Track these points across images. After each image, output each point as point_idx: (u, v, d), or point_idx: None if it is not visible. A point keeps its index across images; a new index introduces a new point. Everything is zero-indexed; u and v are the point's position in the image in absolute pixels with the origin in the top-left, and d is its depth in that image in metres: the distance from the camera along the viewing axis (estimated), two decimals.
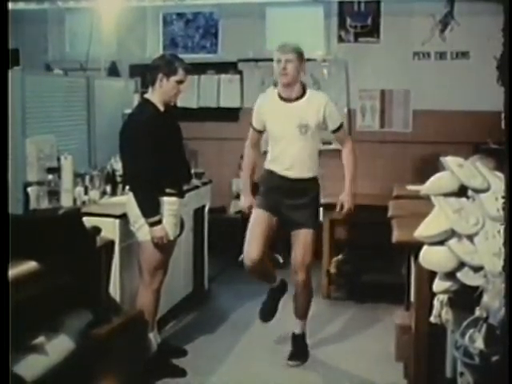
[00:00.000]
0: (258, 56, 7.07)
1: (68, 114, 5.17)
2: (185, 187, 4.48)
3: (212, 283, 5.99)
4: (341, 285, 5.95)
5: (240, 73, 7.22)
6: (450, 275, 2.32)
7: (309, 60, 6.90)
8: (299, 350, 4.54)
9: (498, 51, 2.19)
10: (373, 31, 6.94)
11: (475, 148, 6.01)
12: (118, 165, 4.98)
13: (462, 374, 2.15)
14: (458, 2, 6.41)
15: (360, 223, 5.59)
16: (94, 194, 4.71)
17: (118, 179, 4.92)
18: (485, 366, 1.99)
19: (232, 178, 6.99)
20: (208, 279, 5.86)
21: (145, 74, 4.36)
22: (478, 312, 2.06)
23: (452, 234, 2.28)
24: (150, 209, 4.04)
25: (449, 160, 2.41)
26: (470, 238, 2.25)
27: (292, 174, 4.30)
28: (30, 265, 2.99)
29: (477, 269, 2.22)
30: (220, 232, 6.10)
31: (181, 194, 4.28)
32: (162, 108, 4.16)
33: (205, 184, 5.66)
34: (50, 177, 4.47)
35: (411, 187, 4.80)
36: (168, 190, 4.13)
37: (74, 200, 4.57)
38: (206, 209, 5.70)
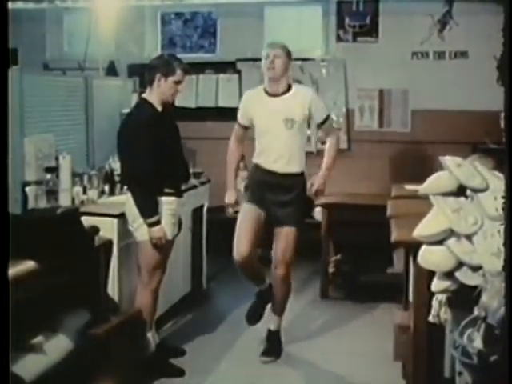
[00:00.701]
0: (257, 55, 6.98)
1: (66, 114, 5.17)
2: (183, 187, 4.48)
3: (210, 283, 5.99)
4: (339, 285, 5.94)
5: (238, 72, 7.22)
6: (449, 275, 2.32)
7: (307, 60, 6.98)
8: (273, 347, 4.55)
9: (497, 51, 2.19)
10: (371, 31, 6.94)
11: (474, 148, 6.01)
12: (116, 164, 4.98)
13: (460, 373, 2.15)
14: (457, 2, 6.40)
15: (358, 223, 5.59)
16: (93, 193, 4.71)
17: (117, 179, 4.92)
18: (483, 366, 1.99)
19: None
20: (206, 279, 5.86)
21: (143, 73, 4.36)
22: (476, 311, 2.07)
23: (451, 233, 2.28)
24: (149, 209, 4.04)
25: (447, 160, 2.41)
26: (469, 237, 2.25)
27: (278, 167, 4.33)
28: (29, 264, 2.99)
29: (475, 268, 2.22)
30: (218, 231, 6.08)
31: (179, 194, 4.28)
32: (159, 108, 4.16)
33: (203, 183, 5.66)
34: (49, 176, 4.46)
35: (410, 187, 4.81)
36: (166, 190, 4.13)
37: (73, 199, 4.57)
38: (205, 208, 5.70)
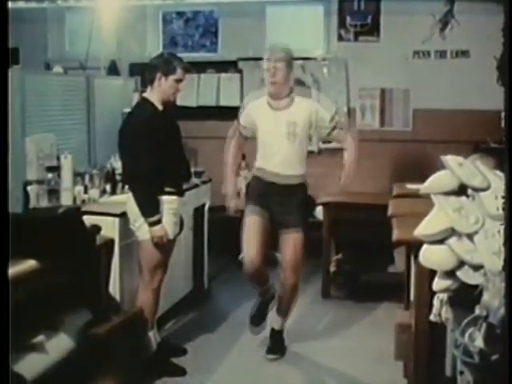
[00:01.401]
0: (258, 55, 6.99)
1: (68, 113, 5.17)
2: (184, 186, 4.48)
3: (212, 282, 5.99)
4: (340, 284, 5.94)
5: (240, 71, 7.22)
6: (450, 274, 2.31)
7: (308, 59, 6.99)
8: (277, 345, 4.57)
9: (498, 50, 2.19)
10: (373, 30, 6.94)
11: (475, 147, 6.01)
12: (117, 163, 4.98)
13: (461, 372, 2.15)
14: (458, 1, 6.40)
15: (360, 222, 5.59)
16: (94, 192, 4.71)
17: (118, 178, 4.92)
18: (484, 365, 1.99)
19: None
20: (208, 278, 5.86)
21: (145, 72, 4.36)
22: (477, 311, 2.06)
23: (452, 232, 2.28)
24: (150, 208, 4.04)
25: (449, 159, 2.41)
26: (470, 236, 2.25)
27: (280, 179, 4.34)
28: (30, 264, 2.99)
29: (477, 267, 2.22)
30: (220, 231, 6.09)
31: (180, 193, 4.28)
32: (160, 107, 4.16)
33: (205, 183, 5.67)
34: (50, 176, 4.46)
35: (411, 186, 4.81)
36: (167, 189, 4.13)
37: (74, 199, 4.57)
38: (206, 207, 5.70)
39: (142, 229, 4.08)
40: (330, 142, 4.66)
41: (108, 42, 6.69)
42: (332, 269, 5.89)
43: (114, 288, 4.07)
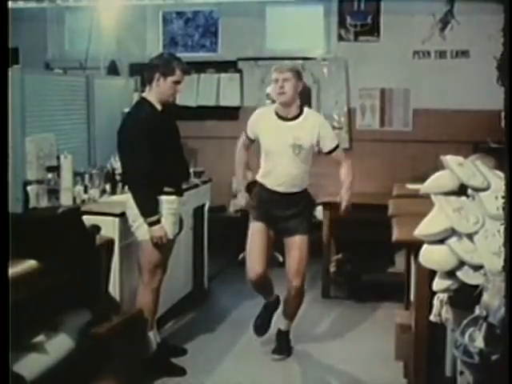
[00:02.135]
0: (258, 55, 7.06)
1: (68, 113, 5.17)
2: (184, 186, 4.48)
3: (212, 282, 5.99)
4: (341, 284, 5.94)
5: (240, 71, 7.22)
6: (450, 274, 2.31)
7: (308, 59, 6.98)
8: (283, 345, 4.59)
9: (498, 50, 2.19)
10: (373, 30, 6.94)
11: (475, 147, 6.01)
12: (117, 163, 4.97)
13: (461, 372, 2.15)
14: (458, 1, 6.39)
15: (360, 222, 5.59)
16: (94, 192, 4.71)
17: (118, 178, 4.92)
18: (484, 365, 1.99)
19: (232, 176, 6.98)
20: (208, 278, 5.86)
21: (143, 72, 4.36)
22: (477, 311, 2.06)
23: (452, 232, 2.28)
24: (149, 208, 4.04)
25: (449, 159, 2.41)
26: (470, 236, 2.25)
27: (283, 189, 4.34)
28: (30, 263, 3.00)
29: (477, 268, 2.22)
30: (220, 231, 6.10)
31: (179, 193, 4.28)
32: (159, 107, 4.15)
33: (204, 183, 5.66)
34: (50, 175, 4.46)
35: (411, 186, 4.81)
36: (166, 189, 4.13)
37: (74, 199, 4.57)
38: (206, 207, 5.70)
39: (141, 229, 4.08)
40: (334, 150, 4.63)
41: (108, 42, 6.68)
42: (332, 269, 5.89)
43: (113, 288, 4.07)
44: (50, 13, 7.53)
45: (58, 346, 3.16)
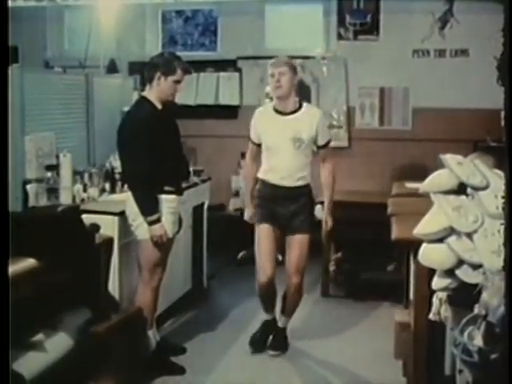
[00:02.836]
0: (257, 53, 7.06)
1: (67, 112, 5.17)
2: (183, 184, 4.48)
3: (211, 281, 5.99)
4: (340, 283, 5.94)
5: (239, 70, 7.22)
6: (449, 273, 2.32)
7: (308, 58, 6.98)
8: (280, 341, 4.60)
9: (498, 50, 2.19)
10: (372, 29, 6.93)
11: (474, 146, 6.02)
12: (116, 162, 4.97)
13: (460, 371, 2.15)
14: (457, 0, 6.41)
15: (359, 221, 5.59)
16: (93, 191, 4.71)
17: (117, 177, 4.92)
18: (484, 364, 1.99)
19: (231, 175, 6.99)
20: (207, 277, 5.86)
21: (144, 71, 4.36)
22: (476, 309, 2.06)
23: (451, 231, 2.28)
24: (149, 207, 4.04)
25: (448, 158, 2.41)
26: (469, 235, 2.25)
27: (284, 183, 4.38)
28: (29, 262, 2.99)
29: (476, 266, 2.22)
30: (219, 229, 6.09)
31: (179, 192, 4.28)
32: (159, 106, 4.15)
33: (204, 181, 5.66)
34: (49, 174, 4.46)
35: (410, 185, 4.82)
36: (166, 188, 4.13)
37: (73, 197, 4.57)
38: (205, 206, 5.70)
39: (141, 228, 4.08)
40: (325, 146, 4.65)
41: (107, 41, 6.68)
42: (331, 268, 5.89)
43: (113, 287, 4.07)
44: (49, 11, 7.52)
45: (58, 344, 3.15)
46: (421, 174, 2.76)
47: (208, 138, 7.08)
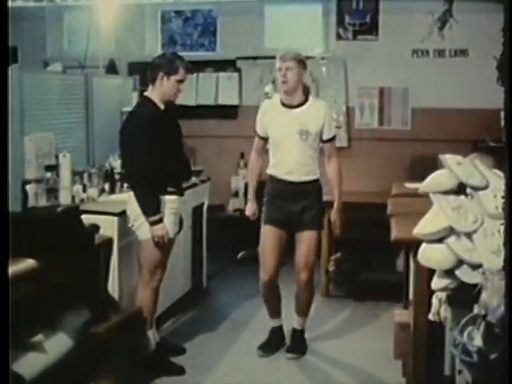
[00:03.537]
0: (257, 54, 7.06)
1: (66, 112, 5.17)
2: (184, 185, 4.49)
3: (210, 281, 5.99)
4: (340, 283, 5.94)
5: (238, 70, 7.21)
6: (449, 273, 2.32)
7: (307, 58, 6.92)
8: (298, 344, 4.59)
9: (497, 49, 2.19)
10: (371, 29, 6.93)
11: (474, 146, 6.01)
12: (116, 162, 4.98)
13: (460, 371, 2.15)
14: (457, 0, 6.41)
15: (359, 221, 5.59)
16: (93, 191, 4.71)
17: (117, 177, 4.92)
18: (483, 364, 1.99)
19: (231, 175, 7.00)
20: (206, 277, 5.86)
21: (144, 71, 4.36)
22: (476, 309, 2.06)
23: (451, 231, 2.28)
24: (151, 207, 4.04)
25: (447, 158, 2.41)
26: (469, 235, 2.25)
27: (293, 178, 4.37)
28: (29, 263, 3.00)
29: (475, 266, 2.22)
30: (219, 230, 6.10)
31: (181, 192, 4.29)
32: (162, 106, 4.16)
33: (203, 182, 5.66)
34: (49, 174, 4.46)
35: (410, 185, 4.81)
36: (169, 189, 4.13)
37: (73, 198, 4.57)
38: (205, 207, 5.70)
39: (142, 228, 4.08)
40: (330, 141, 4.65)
41: (107, 41, 6.68)
42: (331, 268, 5.89)
43: (112, 287, 4.07)
44: (48, 12, 7.51)
45: (57, 345, 3.15)
46: (420, 174, 2.75)
47: (207, 139, 7.08)
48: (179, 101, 4.39)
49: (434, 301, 2.53)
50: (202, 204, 5.66)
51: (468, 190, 2.34)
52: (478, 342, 2.00)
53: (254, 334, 4.80)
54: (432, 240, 2.33)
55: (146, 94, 4.26)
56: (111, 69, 6.72)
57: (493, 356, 1.96)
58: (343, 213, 4.57)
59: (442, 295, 2.47)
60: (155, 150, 4.00)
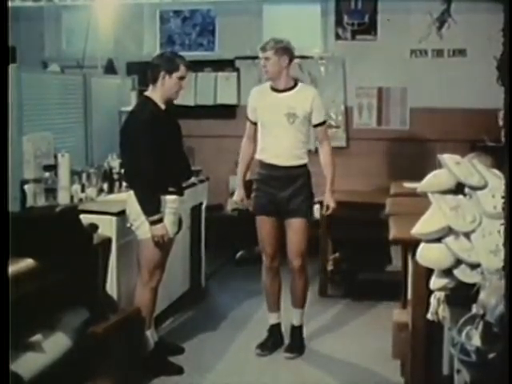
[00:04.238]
0: (255, 53, 7.01)
1: (65, 112, 5.17)
2: (183, 185, 4.49)
3: (209, 281, 5.99)
4: (338, 282, 5.95)
5: (237, 70, 7.22)
6: (447, 272, 2.32)
7: (306, 57, 6.98)
8: (296, 343, 4.59)
9: (496, 49, 2.19)
10: (370, 29, 6.94)
11: (472, 145, 6.02)
12: (114, 162, 4.98)
13: (458, 371, 2.15)
14: (455, 0, 6.40)
15: (357, 221, 5.60)
16: (91, 191, 4.71)
17: (115, 177, 4.92)
18: (481, 364, 1.99)
19: (229, 175, 6.99)
20: (205, 277, 5.86)
21: (143, 71, 4.37)
22: (474, 309, 2.06)
23: (449, 231, 2.28)
24: (152, 207, 4.03)
25: (446, 157, 2.41)
26: (467, 235, 2.25)
27: (280, 161, 4.40)
28: (27, 262, 3.00)
29: (473, 266, 2.23)
30: (217, 230, 6.10)
31: (180, 192, 4.29)
32: (162, 106, 4.16)
33: (202, 181, 5.66)
34: (47, 174, 4.46)
35: (408, 185, 4.82)
36: (169, 189, 4.13)
37: (71, 197, 4.56)
38: (203, 206, 5.70)
39: (142, 227, 4.08)
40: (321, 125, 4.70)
41: (105, 41, 6.68)
42: (329, 267, 5.89)
43: (111, 287, 4.06)
44: (47, 12, 7.51)
45: (56, 344, 3.16)
46: (419, 173, 2.76)
47: (206, 138, 7.08)
48: (178, 101, 4.40)
49: (433, 300, 2.53)
50: (201, 204, 5.65)
51: (466, 190, 2.34)
52: (477, 341, 2.00)
53: (252, 334, 4.80)
54: (430, 240, 2.33)
55: (146, 93, 4.26)
56: (110, 69, 6.71)
57: (491, 356, 1.96)
58: (334, 197, 4.57)
59: (441, 295, 2.47)
60: (155, 149, 4.00)
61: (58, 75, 5.42)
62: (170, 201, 4.13)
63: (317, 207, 5.81)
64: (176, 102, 4.39)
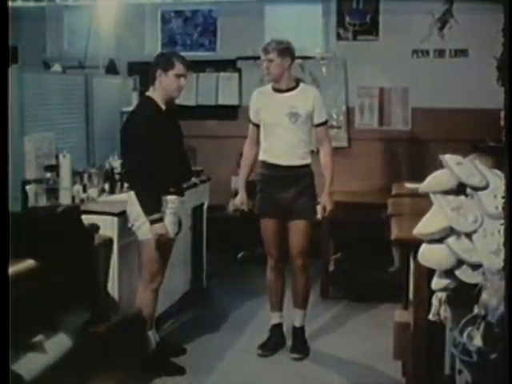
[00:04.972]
0: (257, 54, 7.03)
1: (66, 112, 5.17)
2: (184, 185, 4.48)
3: (210, 281, 5.98)
4: (339, 283, 5.94)
5: (239, 70, 7.22)
6: (449, 273, 2.32)
7: (307, 58, 6.98)
8: (300, 344, 4.59)
9: (497, 49, 2.19)
10: (371, 29, 6.94)
11: (474, 146, 6.01)
12: (116, 162, 4.98)
13: (460, 371, 2.15)
14: (457, 1, 6.40)
15: (359, 221, 5.59)
16: (93, 191, 4.70)
17: (117, 177, 4.91)
18: (483, 364, 1.99)
19: (231, 175, 6.99)
20: (206, 277, 5.85)
21: (144, 71, 4.37)
22: (476, 310, 2.07)
23: (450, 231, 2.28)
24: (151, 206, 4.03)
25: (447, 158, 2.41)
26: (469, 235, 2.25)
27: (283, 161, 4.41)
28: (28, 263, 3.00)
29: (475, 266, 2.22)
30: (218, 230, 6.09)
31: (181, 192, 4.28)
32: (163, 106, 4.16)
33: (203, 182, 5.65)
34: (49, 175, 4.46)
35: (410, 185, 4.82)
36: (169, 189, 4.13)
37: (73, 198, 4.56)
38: (205, 207, 5.70)
39: (142, 228, 4.07)
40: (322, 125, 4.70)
41: (107, 41, 6.68)
42: (331, 268, 5.88)
43: (112, 287, 4.07)
44: (48, 12, 7.52)
45: (57, 345, 3.16)
46: (420, 174, 2.75)
47: (208, 139, 7.08)
48: (179, 101, 4.40)
49: (434, 301, 2.53)
50: (202, 204, 5.65)
51: (468, 190, 2.34)
52: (478, 341, 2.00)
53: (254, 334, 4.80)
54: (432, 240, 2.33)
55: (147, 93, 4.26)
56: (111, 69, 6.72)
57: (493, 356, 1.96)
58: (332, 198, 4.56)
59: (442, 295, 2.47)
60: (156, 149, 4.00)
61: (60, 75, 5.42)
62: (170, 201, 4.13)
63: (318, 208, 5.82)
64: (177, 102, 4.39)
